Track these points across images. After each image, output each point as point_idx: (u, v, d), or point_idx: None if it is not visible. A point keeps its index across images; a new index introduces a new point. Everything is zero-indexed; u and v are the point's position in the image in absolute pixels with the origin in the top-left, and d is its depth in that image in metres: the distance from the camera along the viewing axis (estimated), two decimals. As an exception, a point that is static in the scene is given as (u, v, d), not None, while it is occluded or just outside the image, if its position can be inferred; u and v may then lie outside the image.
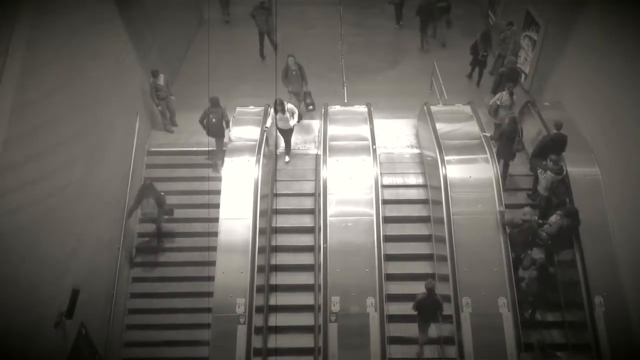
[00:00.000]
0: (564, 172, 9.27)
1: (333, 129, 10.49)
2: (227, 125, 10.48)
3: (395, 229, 9.93)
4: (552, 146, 9.38)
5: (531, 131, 10.45)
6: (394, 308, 9.03)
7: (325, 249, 8.74)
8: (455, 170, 9.29)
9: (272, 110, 10.24)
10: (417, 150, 11.18)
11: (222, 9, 16.43)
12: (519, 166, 10.49)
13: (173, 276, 10.10)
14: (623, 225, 8.69)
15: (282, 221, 10.22)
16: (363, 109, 11.02)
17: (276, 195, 10.48)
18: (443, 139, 9.81)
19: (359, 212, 9.13)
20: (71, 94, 8.16)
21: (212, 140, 10.79)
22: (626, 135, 8.65)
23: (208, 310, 8.57)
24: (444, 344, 8.79)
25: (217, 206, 9.17)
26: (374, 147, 9.94)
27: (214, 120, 10.29)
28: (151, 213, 9.77)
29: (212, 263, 8.76)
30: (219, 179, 9.71)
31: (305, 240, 10.02)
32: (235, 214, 9.04)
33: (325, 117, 10.77)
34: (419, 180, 10.62)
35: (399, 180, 10.70)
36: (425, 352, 8.87)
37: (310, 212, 10.28)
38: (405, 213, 10.23)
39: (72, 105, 8.18)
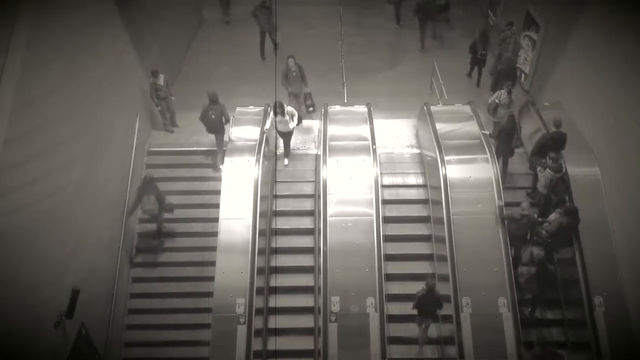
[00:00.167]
0: (563, 170, 9.28)
1: (333, 129, 10.48)
2: (227, 121, 10.47)
3: (395, 229, 9.92)
4: (552, 144, 9.38)
5: (531, 131, 10.44)
6: (394, 308, 9.04)
7: (325, 248, 8.74)
8: (455, 170, 9.29)
9: (271, 113, 10.23)
10: (417, 150, 11.17)
11: (222, 9, 16.42)
12: (519, 165, 10.49)
13: (173, 276, 10.10)
14: (623, 225, 8.68)
15: (281, 223, 10.20)
16: (363, 109, 11.02)
17: (276, 196, 10.47)
18: (443, 139, 9.81)
19: (359, 212, 9.13)
20: (71, 94, 8.16)
21: (213, 140, 10.80)
22: (626, 135, 8.64)
23: (208, 310, 8.56)
24: (444, 344, 8.80)
25: (217, 206, 9.17)
26: (374, 147, 9.94)
27: (213, 116, 10.30)
28: (152, 210, 9.77)
29: (212, 263, 8.77)
30: (219, 179, 9.70)
31: (305, 242, 10.01)
32: (235, 214, 9.03)
33: (325, 117, 10.77)
34: (419, 180, 10.61)
35: (398, 180, 10.69)
36: (425, 352, 8.88)
37: (310, 214, 10.26)
38: (405, 213, 10.23)
39: (72, 105, 8.18)
